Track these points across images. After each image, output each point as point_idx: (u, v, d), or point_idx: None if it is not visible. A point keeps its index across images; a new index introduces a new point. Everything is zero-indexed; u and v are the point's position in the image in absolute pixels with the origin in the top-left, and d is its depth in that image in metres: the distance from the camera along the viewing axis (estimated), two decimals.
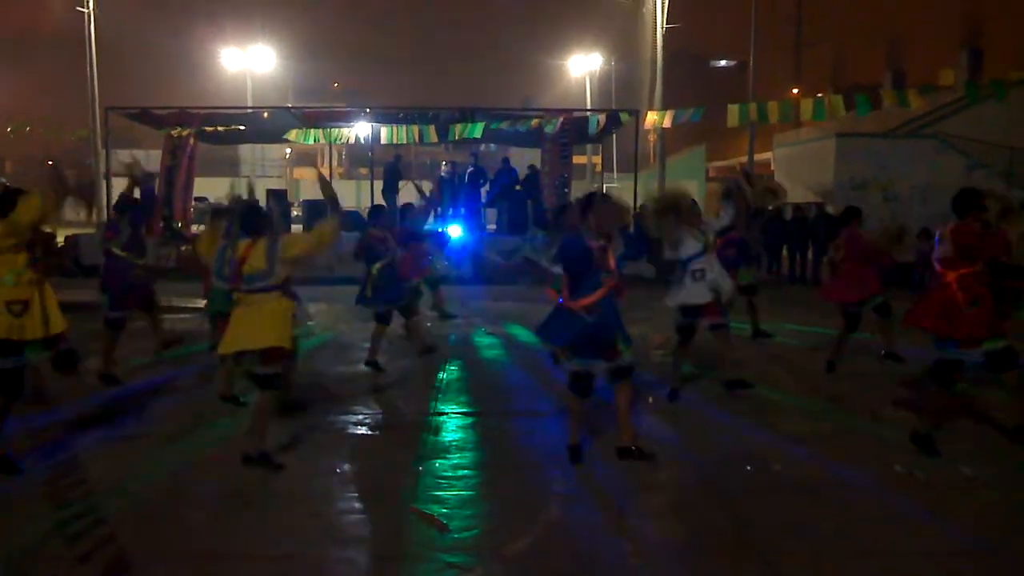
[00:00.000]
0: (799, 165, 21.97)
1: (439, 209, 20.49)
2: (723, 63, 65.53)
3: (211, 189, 29.14)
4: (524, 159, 22.95)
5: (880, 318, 8.46)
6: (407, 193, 15.14)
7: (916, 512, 4.86)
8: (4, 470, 5.25)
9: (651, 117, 16.55)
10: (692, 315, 7.24)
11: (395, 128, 17.82)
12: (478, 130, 16.83)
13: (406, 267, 9.42)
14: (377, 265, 8.47)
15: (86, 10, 29.00)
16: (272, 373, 5.48)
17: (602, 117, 17.33)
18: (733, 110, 11.77)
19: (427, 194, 11.16)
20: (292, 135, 19.29)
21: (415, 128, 17.46)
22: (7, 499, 4.96)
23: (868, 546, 4.41)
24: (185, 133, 18.09)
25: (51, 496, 4.99)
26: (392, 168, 19.74)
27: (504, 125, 16.47)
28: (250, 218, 5.69)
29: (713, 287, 7.08)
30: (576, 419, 5.74)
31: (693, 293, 7.10)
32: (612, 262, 5.50)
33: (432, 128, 17.34)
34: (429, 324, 11.39)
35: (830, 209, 16.87)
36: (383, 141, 18.33)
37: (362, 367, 8.51)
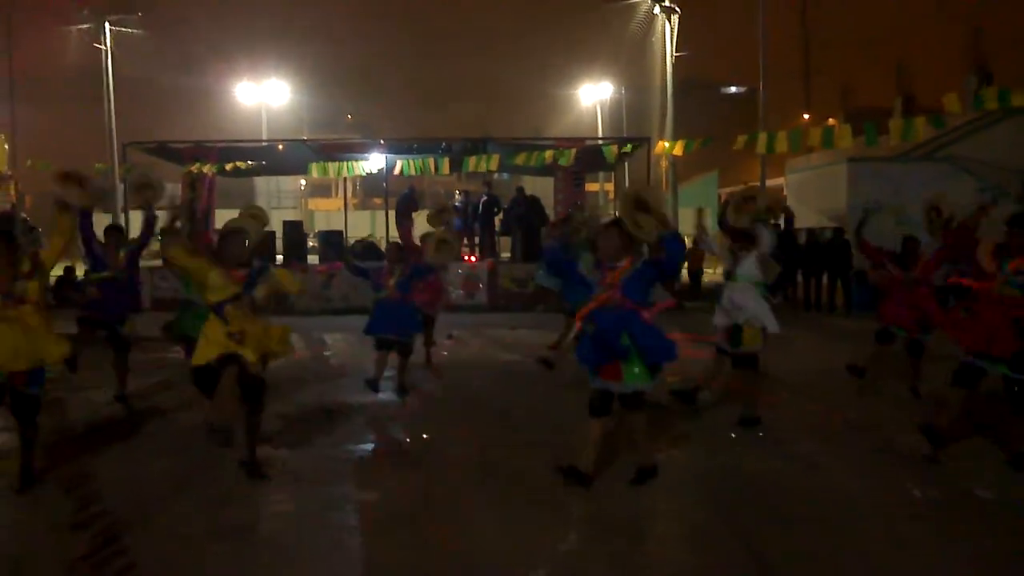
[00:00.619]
0: (811, 190, 22.01)
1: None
2: (733, 89, 65.76)
3: (227, 220, 29.47)
4: (536, 187, 23.10)
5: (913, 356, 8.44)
6: (422, 224, 15.22)
7: (932, 538, 4.86)
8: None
9: (661, 146, 16.67)
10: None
11: (410, 160, 18.04)
12: (492, 163, 17.02)
13: (420, 296, 9.50)
14: (382, 293, 8.67)
15: (103, 47, 29.53)
16: None
17: (614, 148, 17.46)
18: (741, 139, 11.89)
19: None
20: (312, 170, 19.58)
21: (430, 160, 17.66)
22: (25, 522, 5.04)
23: (883, 573, 4.42)
24: (205, 169, 18.38)
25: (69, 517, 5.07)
26: (406, 198, 19.93)
27: (519, 160, 16.62)
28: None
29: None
30: (591, 442, 5.65)
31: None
32: (614, 278, 5.48)
33: (446, 160, 17.53)
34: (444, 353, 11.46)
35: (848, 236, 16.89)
36: (397, 173, 18.54)
37: (379, 396, 8.57)
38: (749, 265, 7.22)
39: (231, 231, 6.06)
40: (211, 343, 5.72)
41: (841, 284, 17.17)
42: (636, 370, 5.41)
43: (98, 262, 7.99)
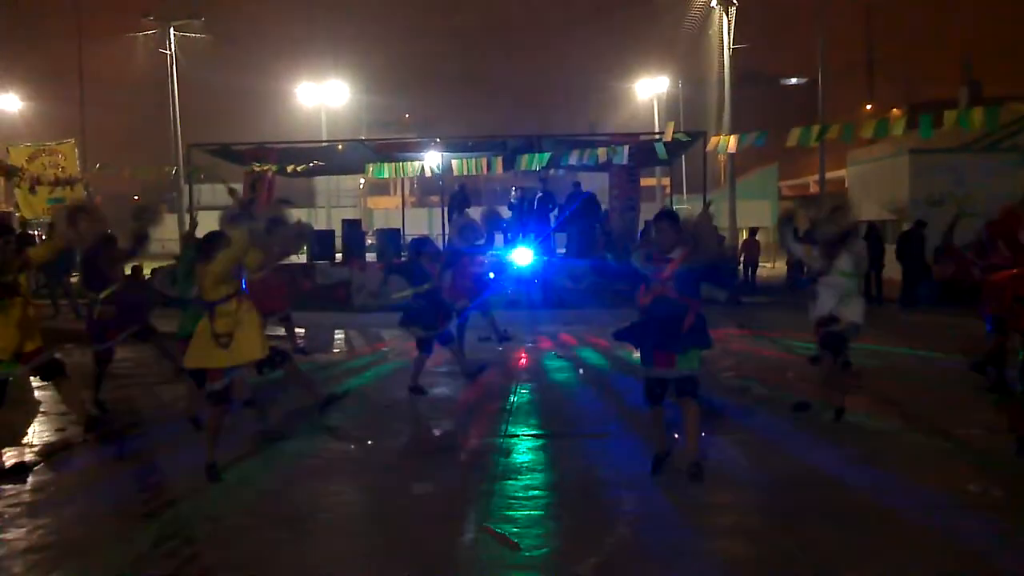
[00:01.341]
0: (873, 182, 21.60)
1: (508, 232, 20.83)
2: (793, 81, 64.69)
3: None
4: (593, 182, 23.07)
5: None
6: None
7: (988, 535, 4.78)
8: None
9: (715, 140, 16.53)
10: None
11: (464, 160, 18.24)
12: (545, 161, 17.14)
13: (452, 290, 9.72)
14: (421, 288, 8.65)
15: (168, 52, 30.32)
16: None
17: (670, 131, 17.34)
18: (794, 133, 11.78)
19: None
20: (368, 170, 19.92)
21: (483, 160, 17.83)
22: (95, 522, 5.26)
23: (938, 570, 4.37)
24: (264, 168, 18.78)
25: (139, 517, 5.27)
26: (458, 196, 20.32)
27: (573, 160, 16.67)
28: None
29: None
30: (657, 427, 5.96)
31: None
32: (668, 272, 5.65)
33: (500, 159, 17.68)
34: (500, 348, 11.57)
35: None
36: (454, 173, 18.77)
37: (434, 391, 8.70)
38: (843, 262, 7.20)
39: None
40: (199, 349, 5.98)
41: (909, 278, 16.64)
42: (689, 356, 5.66)
43: (104, 279, 7.81)
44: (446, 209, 19.92)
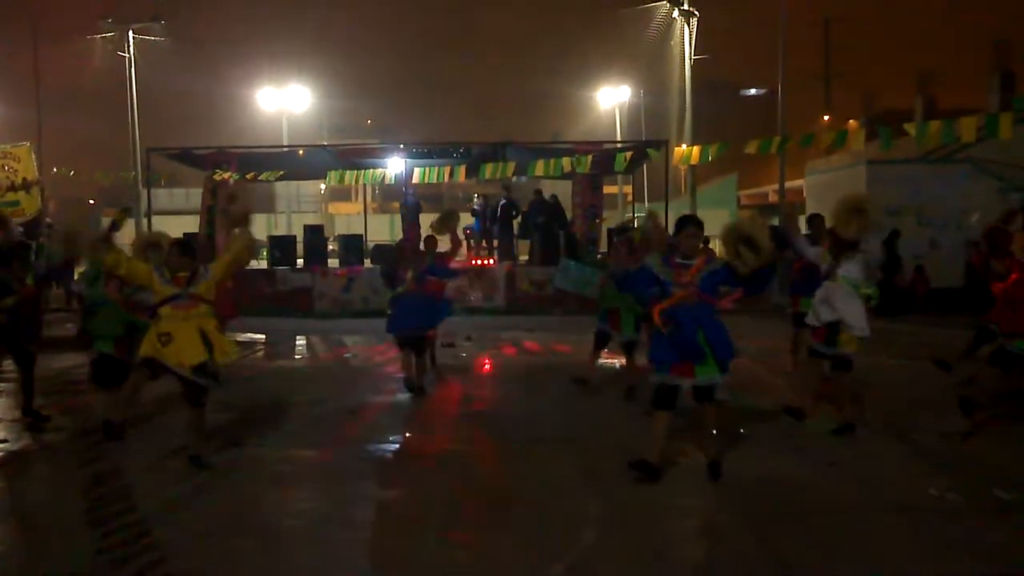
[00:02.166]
0: (831, 192, 21.87)
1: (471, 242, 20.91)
2: (753, 92, 65.58)
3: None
4: (555, 189, 23.14)
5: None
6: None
7: (949, 537, 4.87)
8: None
9: (679, 152, 16.74)
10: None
11: (427, 169, 18.27)
12: (509, 170, 17.22)
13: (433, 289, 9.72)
14: (399, 289, 8.78)
15: (127, 55, 29.88)
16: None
17: (627, 156, 17.57)
18: (753, 143, 12.07)
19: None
20: (330, 178, 19.84)
21: (447, 168, 17.89)
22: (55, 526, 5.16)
23: (899, 571, 4.45)
24: (226, 176, 18.61)
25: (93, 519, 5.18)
26: (415, 205, 20.35)
27: (538, 171, 16.77)
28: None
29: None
30: (657, 435, 5.74)
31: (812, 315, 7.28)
32: (688, 277, 5.62)
33: (463, 168, 17.73)
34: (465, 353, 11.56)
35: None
36: (415, 181, 18.75)
37: (398, 397, 8.66)
38: (853, 267, 7.03)
39: (174, 242, 6.60)
40: (146, 341, 6.27)
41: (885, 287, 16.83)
42: (708, 364, 5.58)
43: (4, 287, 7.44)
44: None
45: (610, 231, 19.22)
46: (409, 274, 8.84)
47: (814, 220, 9.17)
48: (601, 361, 9.16)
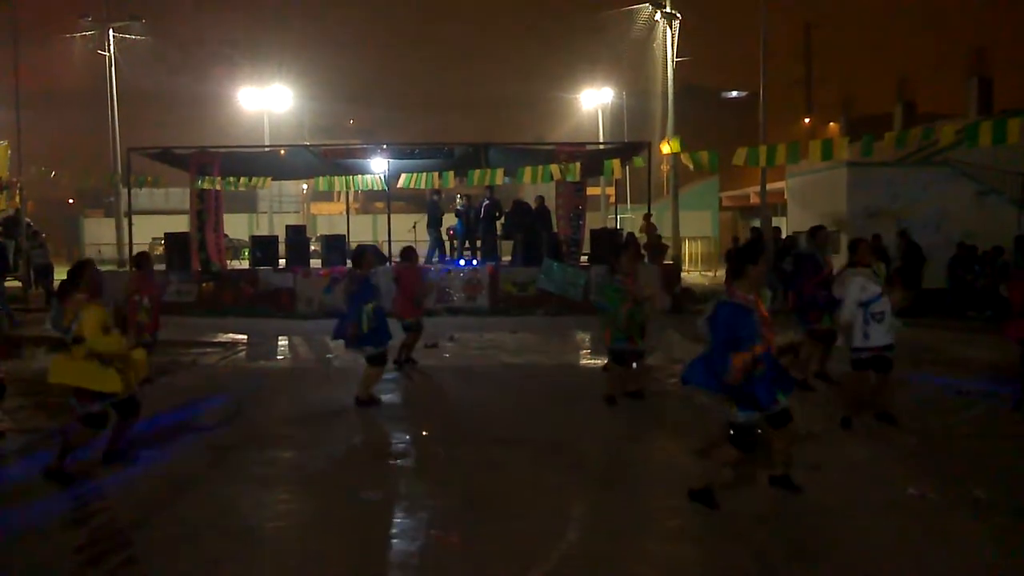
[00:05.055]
0: (812, 195, 22.08)
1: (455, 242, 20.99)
2: (734, 94, 65.92)
3: (231, 225, 29.59)
4: (539, 191, 23.19)
5: None
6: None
7: (928, 536, 4.93)
8: None
9: (666, 149, 16.86)
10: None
11: (415, 174, 18.33)
12: (497, 176, 17.29)
13: (402, 306, 9.81)
14: (369, 305, 8.23)
15: (107, 54, 29.66)
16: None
17: (616, 165, 17.65)
18: (741, 153, 12.03)
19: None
20: (319, 183, 19.93)
21: (435, 174, 17.97)
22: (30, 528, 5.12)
23: (881, 572, 4.49)
24: (215, 186, 18.65)
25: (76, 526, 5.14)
26: (433, 204, 20.74)
27: (527, 178, 16.81)
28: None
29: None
30: (723, 471, 5.56)
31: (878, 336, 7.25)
32: (767, 313, 5.34)
33: (451, 173, 17.82)
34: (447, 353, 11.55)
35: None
36: (400, 185, 18.81)
37: (381, 399, 8.63)
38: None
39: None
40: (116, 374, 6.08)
41: None
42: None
43: None
44: (397, 216, 20.04)
45: (593, 233, 19.28)
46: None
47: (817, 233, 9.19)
48: (585, 362, 9.15)
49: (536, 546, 4.76)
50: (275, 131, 43.73)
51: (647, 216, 20.98)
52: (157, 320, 8.96)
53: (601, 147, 23.50)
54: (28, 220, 21.46)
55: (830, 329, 8.77)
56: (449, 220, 21.57)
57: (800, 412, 7.89)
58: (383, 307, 8.51)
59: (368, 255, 8.59)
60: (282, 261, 19.12)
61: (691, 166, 12.99)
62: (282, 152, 21.54)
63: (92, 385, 5.96)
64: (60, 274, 8.25)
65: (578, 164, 16.80)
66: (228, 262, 21.34)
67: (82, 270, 6.19)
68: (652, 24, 27.91)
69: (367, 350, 8.31)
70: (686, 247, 30.16)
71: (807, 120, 48.90)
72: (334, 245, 19.27)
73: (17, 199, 22.18)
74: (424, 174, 18.23)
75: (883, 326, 7.19)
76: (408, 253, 10.80)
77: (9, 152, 23.48)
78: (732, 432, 5.32)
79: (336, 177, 19.73)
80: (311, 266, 18.71)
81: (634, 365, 8.47)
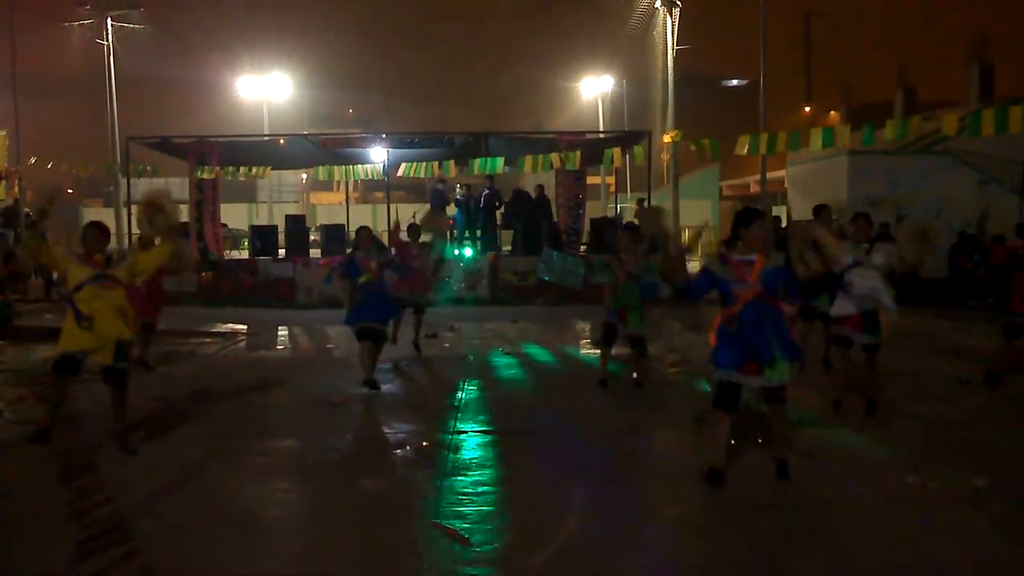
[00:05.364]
0: (813, 183, 22.03)
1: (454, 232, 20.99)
2: (735, 82, 65.72)
3: (231, 214, 29.57)
4: (539, 180, 23.17)
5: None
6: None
7: (927, 525, 4.92)
8: None
9: (666, 139, 16.90)
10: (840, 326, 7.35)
11: (415, 164, 18.33)
12: (498, 165, 17.28)
13: (397, 285, 9.77)
14: (361, 279, 8.54)
15: (105, 43, 29.57)
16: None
17: (616, 153, 17.62)
18: (743, 141, 12.00)
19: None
20: (318, 173, 19.93)
21: (435, 163, 17.96)
22: (29, 519, 5.12)
23: (881, 561, 4.48)
24: (213, 175, 18.65)
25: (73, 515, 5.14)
26: (438, 192, 20.83)
27: (527, 167, 16.81)
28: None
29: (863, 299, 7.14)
30: (720, 437, 5.61)
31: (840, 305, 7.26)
32: (754, 276, 5.42)
33: (452, 163, 17.80)
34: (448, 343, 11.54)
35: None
36: (400, 174, 18.81)
37: (381, 387, 8.62)
38: (886, 254, 7.17)
39: (90, 223, 6.57)
40: (67, 334, 6.24)
41: None
42: (778, 365, 5.39)
43: None
44: (397, 205, 20.05)
45: (593, 222, 19.25)
46: (372, 264, 8.74)
47: (820, 212, 9.15)
48: (585, 352, 9.16)
49: (535, 536, 4.76)
50: (274, 120, 43.68)
51: (640, 202, 21.00)
52: (159, 308, 8.99)
53: (601, 136, 23.45)
54: (27, 210, 21.45)
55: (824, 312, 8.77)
56: (449, 211, 21.58)
57: (802, 400, 7.95)
58: (382, 285, 8.74)
59: (362, 235, 9.03)
60: (282, 251, 19.13)
61: (692, 147, 13.00)
62: (281, 141, 21.52)
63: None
64: None
65: (578, 153, 16.77)
66: (227, 252, 21.36)
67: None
68: (653, 12, 27.82)
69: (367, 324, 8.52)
70: (686, 236, 30.11)
71: (807, 109, 48.79)
72: (334, 235, 19.27)
73: (16, 189, 22.17)
74: (424, 163, 18.22)
75: (850, 298, 7.16)
76: (413, 230, 10.88)
77: (7, 142, 23.43)
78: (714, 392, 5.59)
79: (336, 166, 19.75)
80: (311, 256, 18.72)
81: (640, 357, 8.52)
